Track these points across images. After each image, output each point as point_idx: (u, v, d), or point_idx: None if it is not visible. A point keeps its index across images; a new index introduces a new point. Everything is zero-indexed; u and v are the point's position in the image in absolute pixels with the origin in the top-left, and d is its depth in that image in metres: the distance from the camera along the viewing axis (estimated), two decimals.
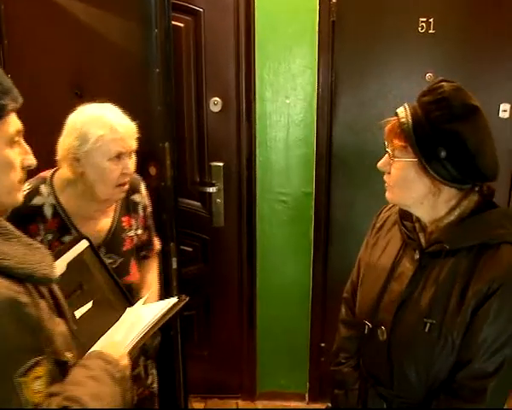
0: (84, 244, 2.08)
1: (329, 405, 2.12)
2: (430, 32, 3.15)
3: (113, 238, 2.30)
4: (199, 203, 3.48)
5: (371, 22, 3.18)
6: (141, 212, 2.41)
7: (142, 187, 2.43)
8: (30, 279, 1.29)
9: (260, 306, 3.65)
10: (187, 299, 2.22)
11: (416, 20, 3.15)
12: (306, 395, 3.80)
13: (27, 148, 1.43)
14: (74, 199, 2.22)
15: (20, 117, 2.93)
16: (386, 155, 1.68)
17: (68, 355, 1.44)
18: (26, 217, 2.15)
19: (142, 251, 2.54)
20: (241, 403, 3.80)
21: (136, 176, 2.44)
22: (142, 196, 2.42)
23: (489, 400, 1.55)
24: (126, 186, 2.20)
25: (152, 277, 2.61)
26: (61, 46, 2.75)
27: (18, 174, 1.39)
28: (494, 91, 3.22)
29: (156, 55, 2.67)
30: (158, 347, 2.61)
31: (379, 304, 1.77)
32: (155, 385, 2.70)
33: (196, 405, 3.63)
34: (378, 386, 1.82)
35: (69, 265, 1.95)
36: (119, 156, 2.11)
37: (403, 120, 1.59)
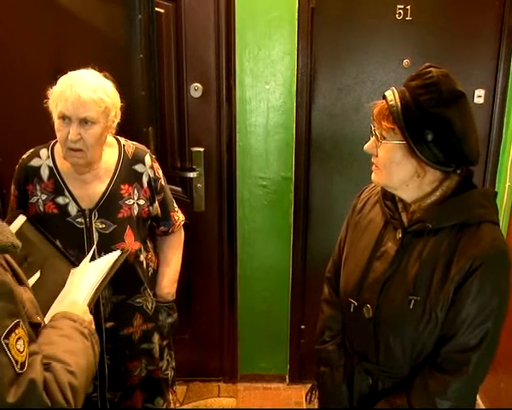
0: (21, 219, 2.15)
1: (315, 382, 2.18)
2: (407, 18, 3.20)
3: (107, 204, 2.33)
4: (180, 188, 3.49)
5: (350, 9, 3.23)
6: (145, 183, 2.42)
7: (148, 159, 2.44)
8: None
9: (241, 289, 3.70)
10: (129, 250, 2.32)
11: (393, 6, 3.20)
12: (287, 377, 3.87)
13: None
14: (68, 163, 2.28)
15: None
16: (373, 137, 1.72)
17: (38, 318, 1.48)
18: (24, 177, 2.32)
19: (159, 227, 2.58)
20: (223, 386, 3.84)
21: (143, 147, 2.49)
22: (147, 168, 2.43)
23: (472, 372, 1.61)
24: (78, 153, 2.20)
25: (171, 253, 2.65)
26: (43, 31, 2.74)
27: None
28: (469, 77, 3.29)
29: (140, 40, 2.68)
30: (174, 326, 2.66)
31: (363, 283, 1.82)
32: (169, 373, 2.76)
33: (179, 388, 3.66)
34: (364, 362, 1.88)
35: None
36: (64, 118, 2.15)
37: (391, 102, 1.63)
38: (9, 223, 2.08)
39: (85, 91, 2.12)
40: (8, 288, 1.28)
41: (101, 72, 2.26)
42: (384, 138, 1.67)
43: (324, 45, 3.27)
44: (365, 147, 1.75)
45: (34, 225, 2.20)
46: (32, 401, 1.27)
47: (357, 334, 1.90)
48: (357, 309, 1.84)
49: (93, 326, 1.68)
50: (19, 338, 1.28)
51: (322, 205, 3.57)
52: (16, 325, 1.28)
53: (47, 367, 1.36)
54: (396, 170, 1.68)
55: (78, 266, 2.18)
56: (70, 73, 2.21)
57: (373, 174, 1.77)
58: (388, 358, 1.78)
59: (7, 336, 1.24)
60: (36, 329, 1.45)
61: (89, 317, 1.70)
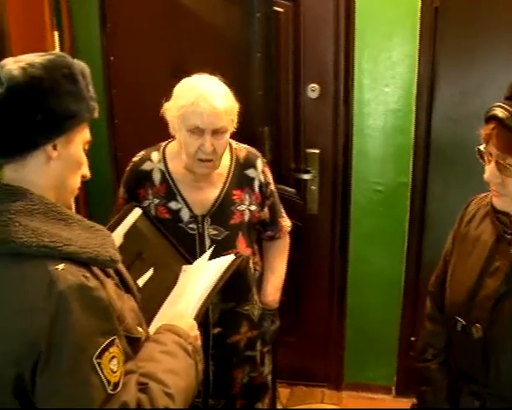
0: (137, 213, 2.15)
1: (415, 401, 2.09)
2: None
3: (220, 210, 2.32)
4: (293, 190, 3.48)
5: (476, 8, 3.06)
6: (256, 188, 2.40)
7: (259, 163, 2.42)
8: (93, 263, 1.31)
9: (351, 295, 3.63)
10: (244, 256, 2.25)
11: None
12: (393, 389, 3.75)
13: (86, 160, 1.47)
14: (180, 167, 2.28)
15: (120, 99, 3.04)
16: (493, 165, 1.61)
17: (140, 330, 1.47)
18: (136, 180, 2.32)
19: (266, 231, 2.56)
20: (327, 392, 3.78)
21: (255, 151, 2.46)
22: (258, 173, 2.41)
23: None
24: (209, 164, 2.20)
25: (277, 260, 2.62)
26: (162, 30, 2.81)
27: (79, 179, 1.46)
28: None
29: (258, 39, 2.68)
30: (275, 334, 2.64)
31: (473, 300, 1.73)
32: (270, 377, 2.73)
33: (282, 391, 3.66)
34: (471, 384, 1.77)
35: (126, 236, 2.01)
36: (197, 130, 2.13)
37: None
38: (124, 217, 2.10)
39: (219, 102, 2.10)
40: (104, 304, 1.27)
41: (215, 75, 2.23)
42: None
43: (447, 47, 3.13)
44: (486, 177, 1.64)
45: (149, 219, 2.20)
46: None
47: (464, 354, 1.80)
48: (465, 328, 1.75)
49: (199, 342, 1.64)
50: (113, 357, 1.26)
51: (439, 213, 3.42)
52: (111, 344, 1.26)
53: (144, 388, 1.33)
54: None
55: (191, 263, 2.18)
56: (190, 83, 2.19)
57: (495, 198, 1.67)
58: (499, 380, 1.68)
59: (100, 356, 1.23)
60: (135, 344, 1.43)
61: (195, 332, 1.65)
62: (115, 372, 1.26)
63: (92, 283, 1.26)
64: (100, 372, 1.22)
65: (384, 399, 3.71)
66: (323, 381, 3.82)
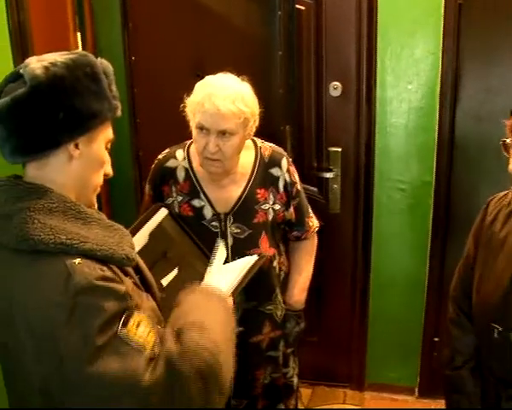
0: (163, 213, 2.17)
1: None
2: None
3: (243, 208, 2.32)
4: (315, 188, 3.45)
5: (501, 5, 3.01)
6: (281, 187, 2.39)
7: (284, 162, 2.40)
8: (110, 261, 1.31)
9: (373, 295, 3.59)
10: (266, 256, 2.26)
11: None
12: (416, 390, 3.70)
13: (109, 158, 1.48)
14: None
15: (142, 98, 3.05)
16: None
17: (159, 328, 1.46)
18: (161, 177, 2.33)
19: (292, 232, 2.54)
20: (349, 392, 3.75)
21: (280, 150, 2.44)
22: (283, 172, 2.39)
23: None
24: (216, 163, 2.19)
25: (304, 261, 2.59)
26: (184, 29, 2.81)
27: (101, 177, 1.46)
28: None
29: (279, 37, 2.68)
30: (300, 335, 2.63)
31: (508, 305, 1.69)
32: (294, 380, 2.71)
33: (304, 391, 3.63)
34: (510, 389, 1.75)
35: (151, 235, 2.04)
36: (203, 128, 2.13)
37: None
38: (150, 216, 2.12)
39: (224, 104, 2.09)
40: (120, 293, 1.28)
41: (239, 75, 2.21)
42: None
43: (472, 44, 3.09)
44: (511, 169, 1.62)
45: (175, 219, 2.22)
46: (173, 378, 1.25)
47: (502, 360, 1.77)
48: (502, 334, 1.71)
49: (232, 307, 1.65)
50: (139, 324, 1.27)
51: (464, 213, 3.36)
52: (130, 314, 1.27)
53: (180, 336, 1.33)
54: None
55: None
56: (208, 80, 2.19)
57: None
58: None
59: (124, 326, 1.24)
60: None
61: (227, 301, 1.67)
62: (147, 335, 1.28)
63: (108, 274, 1.28)
64: (129, 341, 1.24)
65: (407, 400, 3.68)
66: (345, 381, 3.79)
